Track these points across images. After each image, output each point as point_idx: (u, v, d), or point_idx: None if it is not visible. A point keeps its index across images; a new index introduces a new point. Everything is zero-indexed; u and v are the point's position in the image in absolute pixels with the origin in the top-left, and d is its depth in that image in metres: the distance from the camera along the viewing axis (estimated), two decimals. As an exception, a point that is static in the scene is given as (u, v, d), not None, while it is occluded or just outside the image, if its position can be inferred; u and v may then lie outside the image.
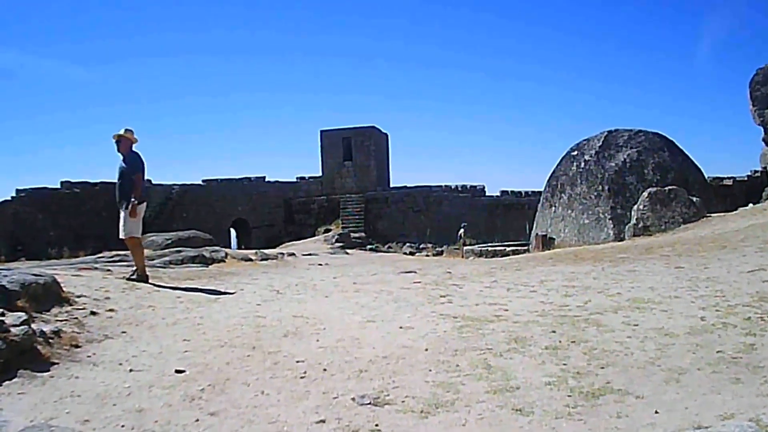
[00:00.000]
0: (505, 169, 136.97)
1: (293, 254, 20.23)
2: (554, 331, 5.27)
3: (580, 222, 19.57)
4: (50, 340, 4.97)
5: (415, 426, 3.49)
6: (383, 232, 38.54)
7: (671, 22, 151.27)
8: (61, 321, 5.71)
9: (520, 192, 40.77)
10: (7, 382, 4.12)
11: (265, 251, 19.51)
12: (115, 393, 4.11)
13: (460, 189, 41.75)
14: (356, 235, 34.11)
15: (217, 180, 42.78)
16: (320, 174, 44.61)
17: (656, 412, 3.50)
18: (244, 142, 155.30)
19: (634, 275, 8.63)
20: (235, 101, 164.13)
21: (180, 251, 15.78)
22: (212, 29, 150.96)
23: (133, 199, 8.78)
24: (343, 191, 42.57)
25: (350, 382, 4.27)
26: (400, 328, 5.77)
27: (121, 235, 9.03)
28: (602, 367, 4.30)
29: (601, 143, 20.48)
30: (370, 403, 3.84)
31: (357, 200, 41.29)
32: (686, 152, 21.03)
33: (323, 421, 3.60)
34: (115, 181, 9.15)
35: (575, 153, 21.14)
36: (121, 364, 4.77)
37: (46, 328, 5.18)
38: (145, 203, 9.19)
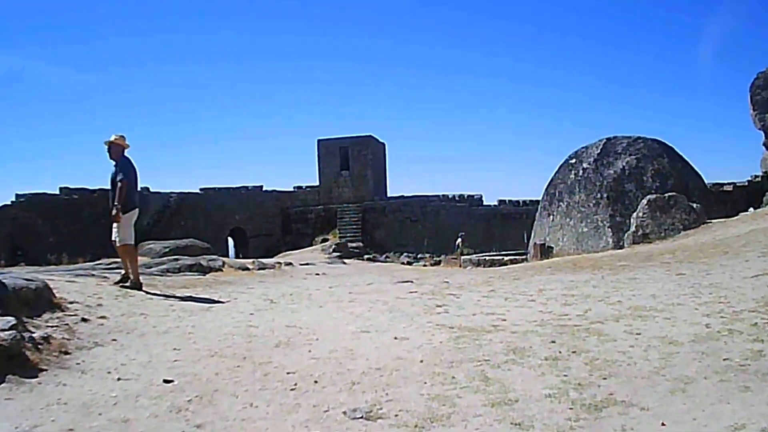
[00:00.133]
0: (502, 178, 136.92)
1: (290, 264, 20.10)
2: (554, 341, 5.09)
3: (578, 230, 19.40)
4: (39, 346, 4.94)
5: (409, 441, 3.33)
6: (380, 242, 38.36)
7: (670, 26, 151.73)
8: (52, 327, 5.66)
9: (517, 201, 40.68)
10: (-6, 387, 4.04)
11: (263, 260, 19.39)
12: (102, 402, 4.04)
13: (457, 199, 41.65)
14: (353, 244, 33.91)
15: (214, 189, 42.63)
16: (317, 183, 44.48)
17: (663, 425, 3.34)
18: (241, 151, 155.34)
19: (635, 283, 8.47)
20: (232, 110, 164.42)
21: (177, 259, 15.73)
22: (210, 37, 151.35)
23: (117, 205, 8.63)
24: (341, 201, 42.44)
25: (342, 395, 4.10)
26: (395, 338, 5.60)
27: (115, 242, 8.93)
28: (604, 378, 4.13)
29: (599, 151, 20.34)
30: (362, 417, 3.66)
31: (354, 210, 41.15)
32: (686, 158, 20.91)
33: (312, 436, 3.44)
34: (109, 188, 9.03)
35: (573, 161, 21.00)
36: (109, 372, 4.71)
37: (36, 334, 5.15)
38: (136, 210, 9.03)
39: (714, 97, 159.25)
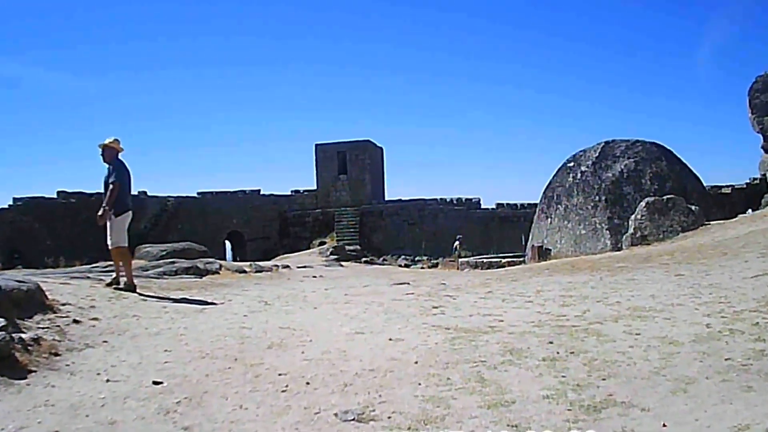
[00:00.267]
0: (500, 181, 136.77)
1: (288, 266, 20.03)
2: (552, 342, 4.98)
3: (576, 233, 19.32)
4: (29, 348, 4.90)
5: (402, 444, 3.22)
6: (378, 245, 38.27)
7: (669, 29, 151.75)
8: (43, 328, 5.63)
9: (515, 204, 40.58)
10: (-18, 389, 3.98)
11: (260, 263, 19.33)
12: (90, 403, 3.97)
13: (455, 202, 41.56)
14: (351, 248, 33.82)
15: (212, 192, 42.60)
16: (315, 187, 44.38)
17: (664, 425, 3.24)
18: (239, 155, 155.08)
19: (634, 284, 8.38)
20: (230, 114, 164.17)
21: (174, 262, 15.68)
22: (208, 42, 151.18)
23: (105, 206, 8.56)
24: (338, 204, 42.34)
25: (334, 397, 3.99)
26: (390, 340, 5.49)
27: (109, 245, 8.88)
28: (604, 379, 4.02)
29: (597, 154, 20.28)
30: (353, 419, 3.55)
31: (352, 213, 41.05)
32: (684, 161, 20.85)
33: (302, 439, 3.33)
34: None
35: (572, 164, 20.93)
36: (99, 374, 4.65)
37: (26, 336, 5.11)
38: (130, 213, 8.96)
39: (712, 100, 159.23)
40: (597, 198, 19.23)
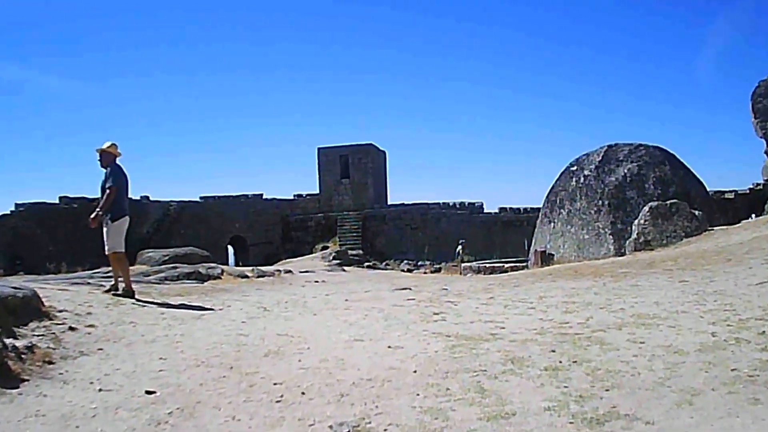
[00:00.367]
0: (503, 186, 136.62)
1: (290, 271, 19.97)
2: (554, 351, 4.87)
3: (579, 237, 19.21)
4: (23, 356, 4.85)
5: (398, 458, 3.12)
6: (381, 250, 38.17)
7: (672, 33, 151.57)
8: (38, 336, 5.58)
9: (518, 209, 40.51)
10: (-26, 399, 3.93)
11: (262, 268, 19.30)
12: (81, 414, 3.91)
13: (458, 206, 41.47)
14: (354, 252, 33.73)
15: (214, 197, 42.53)
16: (318, 191, 44.35)
17: (669, 441, 3.13)
18: (241, 159, 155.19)
19: (638, 290, 8.26)
20: (232, 119, 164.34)
21: (176, 267, 15.69)
22: (210, 47, 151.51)
23: (98, 210, 8.51)
24: (341, 209, 42.29)
25: (329, 407, 3.89)
26: (389, 347, 5.39)
27: (105, 250, 8.84)
28: (607, 390, 3.91)
29: (600, 158, 20.18)
30: (348, 431, 3.45)
31: (354, 218, 40.98)
32: (687, 166, 20.74)
33: (295, 452, 3.23)
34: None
35: (574, 168, 20.83)
36: (92, 382, 4.58)
37: (20, 343, 5.06)
38: (127, 218, 8.89)
39: (715, 105, 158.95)
40: (600, 202, 19.12)
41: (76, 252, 27.37)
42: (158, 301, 8.66)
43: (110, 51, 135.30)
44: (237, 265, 31.89)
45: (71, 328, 6.08)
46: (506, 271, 18.42)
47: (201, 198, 42.31)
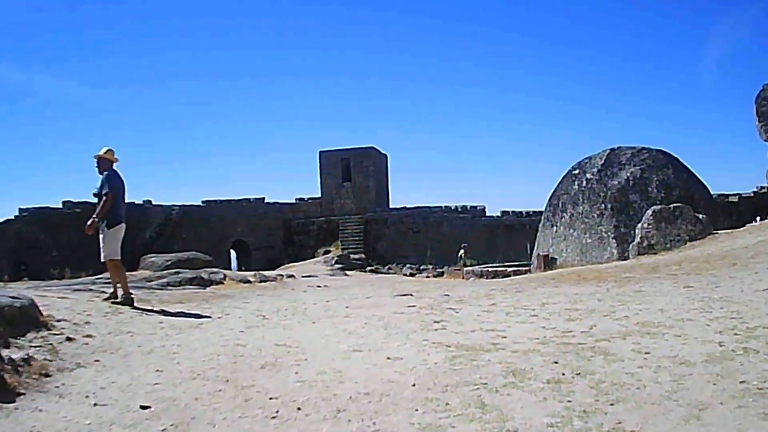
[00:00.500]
0: (505, 189, 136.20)
1: (292, 276, 19.90)
2: (557, 362, 4.74)
3: (582, 241, 19.06)
4: (19, 368, 4.79)
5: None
6: (383, 254, 38.08)
7: (675, 35, 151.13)
8: (35, 347, 5.53)
9: (521, 212, 40.39)
10: (-30, 414, 3.85)
11: (265, 273, 19.23)
12: (75, 430, 3.85)
13: (460, 209, 41.37)
14: (356, 256, 33.67)
15: (217, 201, 42.50)
16: (319, 195, 44.28)
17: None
18: (243, 163, 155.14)
19: (642, 296, 8.14)
20: (234, 123, 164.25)
21: (178, 273, 15.70)
22: (212, 53, 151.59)
23: (95, 217, 8.44)
24: (343, 212, 42.21)
25: (326, 424, 3.77)
26: (388, 358, 5.27)
27: (101, 258, 8.78)
28: (612, 404, 3.79)
29: (603, 161, 20.03)
30: (345, 450, 3.34)
31: (356, 221, 40.90)
32: (691, 169, 20.58)
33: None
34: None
35: (577, 171, 20.68)
36: (87, 396, 4.51)
37: (17, 355, 5.00)
38: (123, 225, 8.79)
39: (719, 107, 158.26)
40: (603, 206, 18.97)
41: (79, 257, 27.32)
42: (157, 309, 8.60)
43: (113, 56, 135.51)
44: (240, 269, 31.88)
45: (69, 339, 6.02)
46: (509, 276, 18.29)
47: (203, 202, 42.30)
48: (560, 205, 20.45)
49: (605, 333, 5.78)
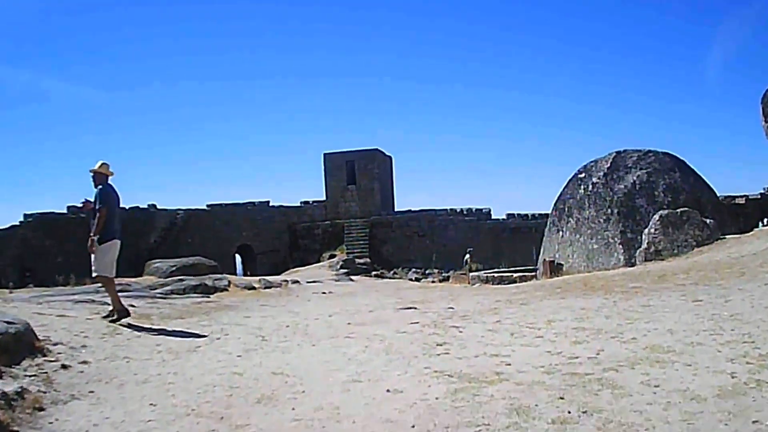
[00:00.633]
0: (511, 191, 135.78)
1: (297, 281, 19.86)
2: (562, 398, 4.55)
3: (588, 247, 18.87)
4: (12, 402, 4.67)
5: None
6: (388, 257, 37.93)
7: (680, 35, 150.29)
8: (30, 376, 5.44)
9: (526, 215, 40.19)
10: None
11: (269, 279, 19.19)
12: None
13: (465, 213, 41.20)
14: (361, 260, 33.58)
15: (221, 205, 42.44)
16: (324, 198, 44.16)
17: None
18: (248, 166, 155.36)
19: (650, 312, 7.97)
20: (238, 126, 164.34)
21: (182, 280, 15.66)
22: (216, 55, 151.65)
23: (93, 236, 8.36)
24: (348, 215, 42.09)
25: (320, 474, 3.62)
26: (387, 391, 5.09)
27: (92, 273, 8.81)
28: (620, 450, 3.62)
29: (609, 165, 19.84)
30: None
31: (361, 225, 40.76)
32: (698, 172, 20.36)
33: None
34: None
35: (582, 175, 20.49)
36: None
37: (10, 388, 4.87)
38: (115, 242, 8.71)
39: (725, 107, 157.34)
40: (609, 211, 18.78)
41: (85, 263, 27.31)
42: (156, 328, 8.53)
43: (119, 60, 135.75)
44: (245, 274, 31.77)
45: (64, 366, 5.94)
46: (515, 281, 18.14)
47: (208, 206, 42.23)
48: (566, 209, 20.27)
49: (612, 360, 5.60)
